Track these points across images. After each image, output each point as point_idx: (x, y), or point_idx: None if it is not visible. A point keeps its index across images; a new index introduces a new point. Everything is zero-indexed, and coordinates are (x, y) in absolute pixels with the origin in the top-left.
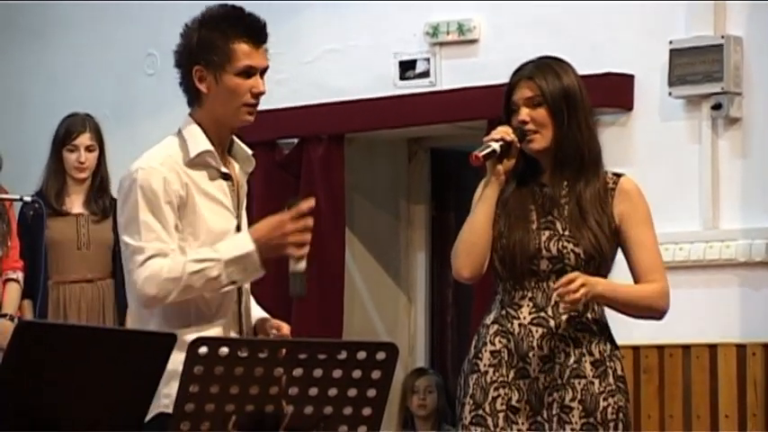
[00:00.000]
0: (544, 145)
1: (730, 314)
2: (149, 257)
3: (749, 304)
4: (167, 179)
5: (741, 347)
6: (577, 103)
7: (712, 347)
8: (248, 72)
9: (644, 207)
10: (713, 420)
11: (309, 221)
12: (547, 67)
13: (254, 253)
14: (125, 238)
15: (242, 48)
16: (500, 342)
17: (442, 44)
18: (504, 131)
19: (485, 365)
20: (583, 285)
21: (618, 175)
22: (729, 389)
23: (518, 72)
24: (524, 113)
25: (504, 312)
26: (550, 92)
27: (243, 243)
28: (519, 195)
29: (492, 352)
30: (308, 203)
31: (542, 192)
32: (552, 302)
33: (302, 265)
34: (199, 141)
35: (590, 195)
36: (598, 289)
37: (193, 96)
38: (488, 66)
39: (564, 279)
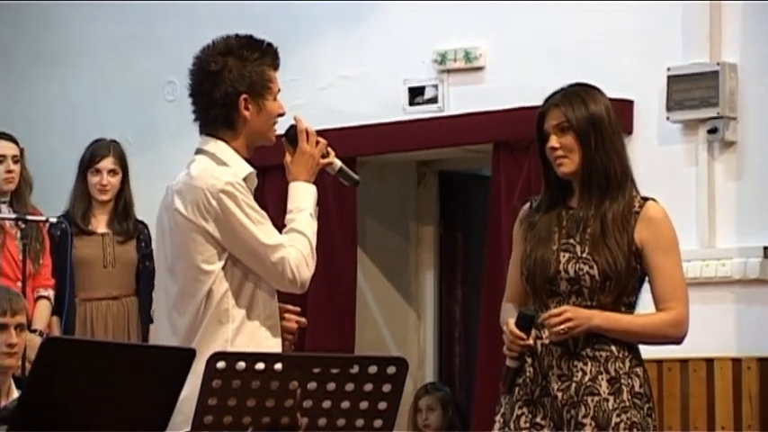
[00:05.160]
0: (573, 169)
1: (726, 329)
2: (284, 249)
3: (744, 320)
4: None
5: (737, 362)
6: (604, 128)
7: (709, 362)
8: (276, 95)
9: (667, 233)
10: None
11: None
12: (574, 94)
13: (312, 185)
14: (251, 244)
15: (274, 74)
16: (526, 361)
17: (449, 71)
18: (511, 349)
19: (515, 384)
20: (569, 320)
21: (646, 199)
22: (725, 402)
23: (548, 100)
24: (553, 140)
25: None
26: (576, 118)
27: (304, 189)
28: (546, 218)
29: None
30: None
31: (569, 214)
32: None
33: (337, 162)
34: (241, 163)
35: (613, 214)
36: (594, 322)
37: (231, 123)
38: (494, 92)
39: (554, 311)
